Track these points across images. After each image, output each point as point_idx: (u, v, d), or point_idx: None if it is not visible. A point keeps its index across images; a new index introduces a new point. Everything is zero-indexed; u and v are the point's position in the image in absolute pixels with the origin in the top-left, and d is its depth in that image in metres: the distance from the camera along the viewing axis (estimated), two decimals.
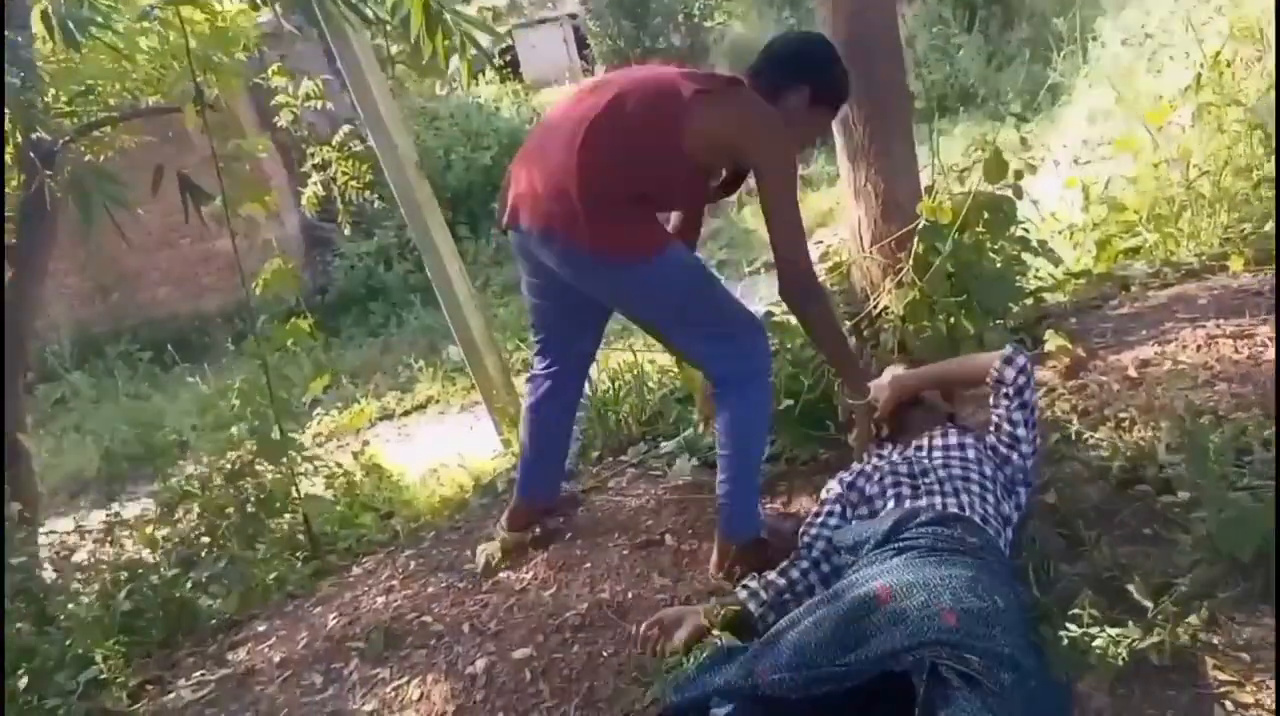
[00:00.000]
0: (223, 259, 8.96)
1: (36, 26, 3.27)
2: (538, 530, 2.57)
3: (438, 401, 7.14)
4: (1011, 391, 2.04)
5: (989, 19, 10.99)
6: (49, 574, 3.35)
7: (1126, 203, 3.76)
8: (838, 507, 2.11)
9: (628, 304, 2.17)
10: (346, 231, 5.14)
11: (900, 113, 2.79)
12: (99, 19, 3.69)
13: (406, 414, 7.13)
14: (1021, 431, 2.04)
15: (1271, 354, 2.33)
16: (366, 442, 4.42)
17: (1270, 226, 3.15)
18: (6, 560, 3.13)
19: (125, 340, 9.18)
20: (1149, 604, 1.79)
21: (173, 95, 4.26)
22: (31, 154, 3.69)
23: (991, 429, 2.07)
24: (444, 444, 5.31)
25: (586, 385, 2.85)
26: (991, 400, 2.09)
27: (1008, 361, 2.05)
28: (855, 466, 2.22)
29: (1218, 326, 2.52)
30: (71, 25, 3.46)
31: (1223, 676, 1.65)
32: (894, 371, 2.29)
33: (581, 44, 15.65)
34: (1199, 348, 2.45)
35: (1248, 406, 2.16)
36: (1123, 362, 2.50)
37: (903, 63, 2.80)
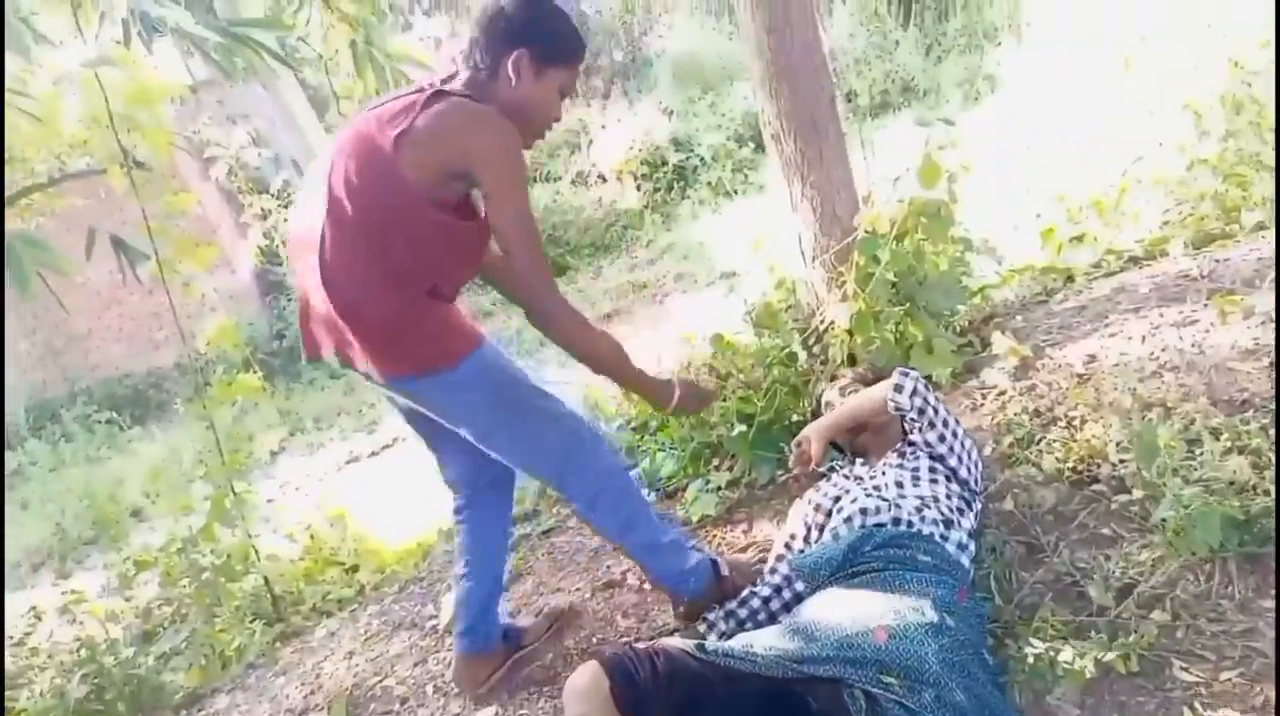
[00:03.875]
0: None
1: None
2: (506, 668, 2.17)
3: (404, 439, 7.04)
4: (915, 415, 2.05)
5: (923, 11, 11.04)
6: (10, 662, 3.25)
7: (1068, 191, 3.77)
8: (802, 530, 2.10)
9: (446, 416, 1.91)
10: (293, 281, 5.06)
11: (831, 123, 2.78)
12: (13, 88, 3.61)
13: (374, 455, 7.04)
14: (942, 448, 2.05)
15: (1215, 339, 2.34)
16: (329, 494, 4.34)
17: (1206, 207, 3.17)
18: None
19: (81, 402, 8.99)
20: (1112, 607, 1.80)
21: (100, 156, 4.18)
22: None
23: (924, 451, 2.07)
24: (411, 484, 5.22)
25: None
26: (905, 427, 2.08)
27: (898, 389, 2.05)
28: (821, 486, 2.20)
29: (1160, 315, 2.52)
30: None
31: (1188, 677, 1.63)
32: (814, 423, 2.29)
33: None
34: (1144, 338, 2.45)
35: (1195, 396, 2.15)
36: (1069, 359, 2.49)
37: (829, 73, 2.79)
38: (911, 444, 2.14)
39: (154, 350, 9.55)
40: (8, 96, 3.50)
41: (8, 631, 3.36)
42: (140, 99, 3.59)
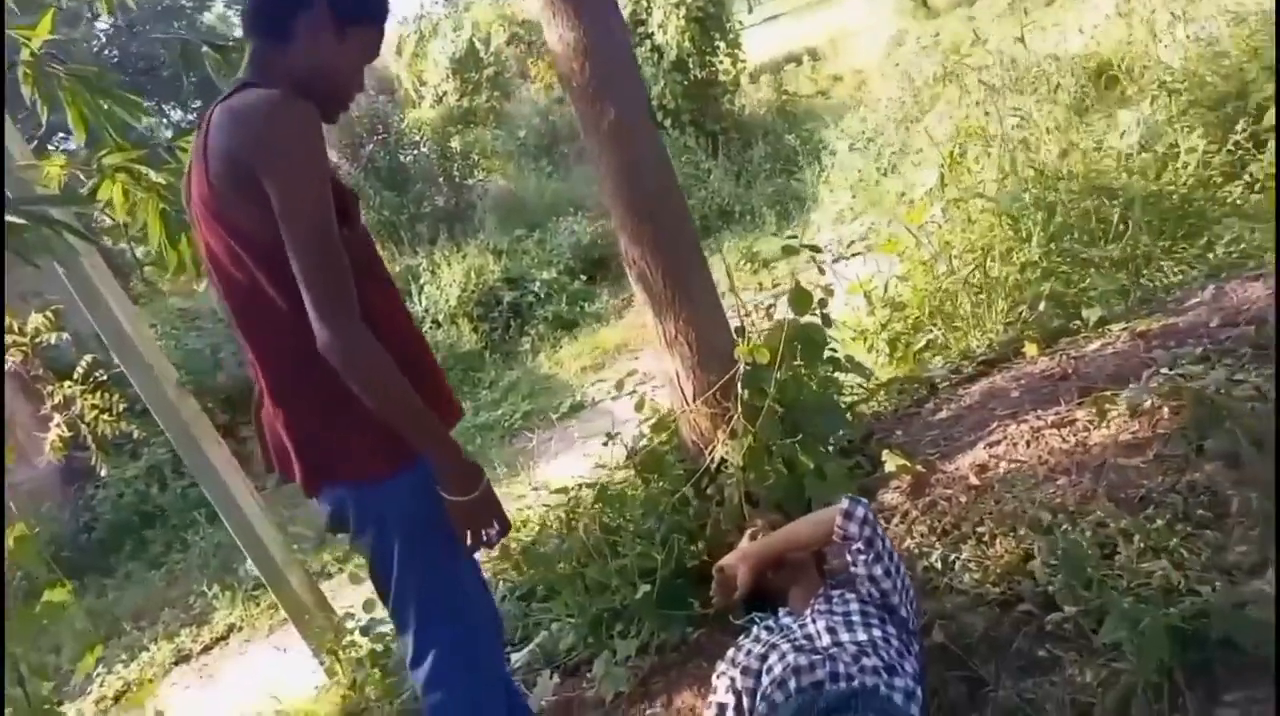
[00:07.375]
0: None
1: None
2: None
3: (240, 629, 6.35)
4: (863, 545, 1.92)
5: (729, 143, 11.79)
6: None
7: (906, 301, 3.89)
8: (731, 699, 1.89)
9: (363, 533, 1.66)
10: (103, 472, 4.53)
11: (693, 256, 2.73)
12: None
13: (206, 650, 6.29)
14: (887, 583, 1.92)
15: (1095, 437, 2.37)
16: (160, 713, 3.75)
17: (1044, 306, 3.30)
18: None
19: None
20: None
21: None
22: None
23: (864, 587, 1.94)
24: (255, 680, 4.66)
25: None
26: (849, 557, 1.96)
27: (848, 516, 1.94)
28: (742, 644, 2.01)
29: (1038, 417, 2.55)
30: None
31: None
32: (741, 548, 2.14)
33: None
34: (1027, 443, 2.46)
35: (1092, 497, 2.14)
36: (961, 471, 2.47)
37: (686, 206, 2.76)
38: (838, 586, 2.00)
39: None
40: None
41: None
42: None
